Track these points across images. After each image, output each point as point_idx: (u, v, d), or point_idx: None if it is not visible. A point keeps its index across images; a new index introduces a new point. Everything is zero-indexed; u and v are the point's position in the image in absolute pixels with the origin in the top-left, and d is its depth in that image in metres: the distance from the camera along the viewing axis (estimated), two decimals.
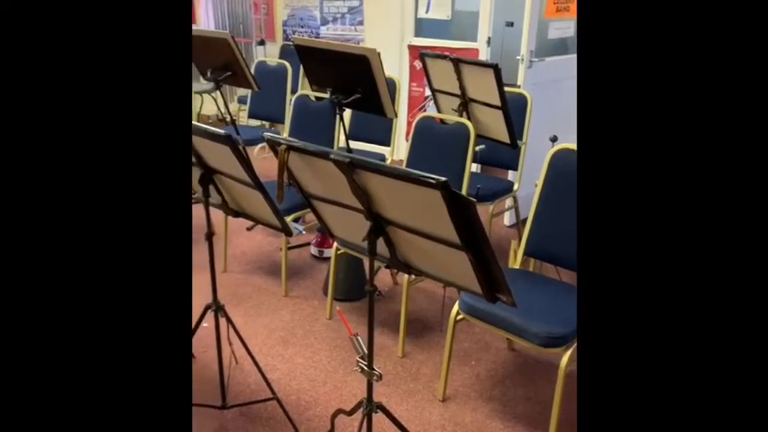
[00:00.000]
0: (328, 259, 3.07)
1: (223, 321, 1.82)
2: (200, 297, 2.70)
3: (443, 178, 1.05)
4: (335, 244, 2.51)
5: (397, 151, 3.43)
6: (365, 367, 1.48)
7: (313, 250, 3.18)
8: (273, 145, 1.34)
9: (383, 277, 2.95)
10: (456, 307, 1.98)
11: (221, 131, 1.42)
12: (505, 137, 2.63)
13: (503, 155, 2.95)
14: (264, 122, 4.21)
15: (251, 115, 3.88)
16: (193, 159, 1.62)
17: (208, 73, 3.04)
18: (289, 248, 3.16)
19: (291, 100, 3.14)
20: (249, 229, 3.48)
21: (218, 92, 3.12)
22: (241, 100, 4.78)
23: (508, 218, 3.66)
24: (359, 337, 1.52)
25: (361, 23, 4.70)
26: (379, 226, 1.32)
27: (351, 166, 1.19)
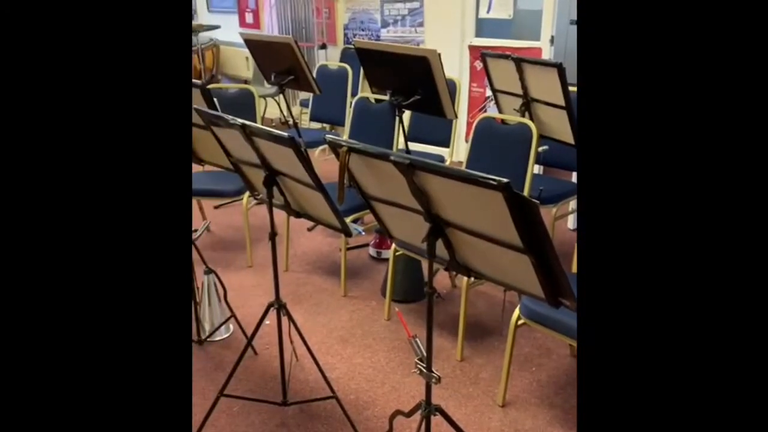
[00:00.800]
0: (386, 260, 3.09)
1: (284, 319, 1.87)
2: (263, 295, 2.78)
3: (505, 180, 1.03)
4: (393, 246, 2.51)
5: (457, 152, 3.41)
6: (424, 369, 1.48)
7: (372, 251, 3.20)
8: (334, 146, 1.36)
9: (441, 279, 2.93)
10: (517, 312, 1.94)
11: (284, 134, 1.46)
12: (569, 138, 2.56)
13: (567, 156, 2.86)
14: (324, 125, 4.28)
15: (313, 118, 3.96)
16: (258, 161, 1.67)
17: (272, 77, 3.12)
18: (348, 249, 3.19)
19: (351, 103, 3.18)
20: (310, 229, 3.55)
21: (281, 96, 3.20)
22: (303, 104, 4.88)
23: (571, 221, 3.55)
24: (418, 339, 1.51)
25: (421, 24, 4.70)
26: (439, 227, 1.31)
27: (411, 168, 1.19)
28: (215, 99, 2.06)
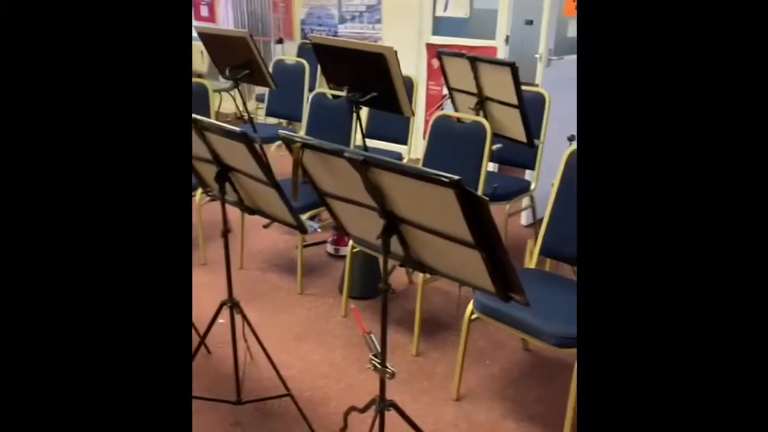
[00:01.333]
0: (344, 257, 3.08)
1: (238, 317, 1.84)
2: (217, 293, 2.73)
3: (456, 177, 1.05)
4: (351, 243, 2.51)
5: (415, 149, 3.43)
6: (378, 365, 1.49)
7: (329, 248, 3.19)
8: (288, 142, 1.35)
9: (399, 276, 2.95)
10: (471, 306, 1.97)
11: (237, 129, 1.44)
12: (522, 136, 2.61)
13: (521, 154, 2.93)
14: (282, 120, 4.23)
15: (269, 113, 3.91)
16: (210, 156, 1.64)
17: (227, 72, 3.07)
18: (305, 246, 3.17)
19: (308, 99, 3.16)
20: (266, 226, 3.51)
21: (236, 90, 3.15)
22: (259, 98, 4.82)
23: (524, 218, 3.63)
24: (372, 335, 1.52)
25: (379, 21, 4.70)
26: (393, 224, 1.32)
27: (365, 164, 1.20)
28: None
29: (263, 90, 4.23)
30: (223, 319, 1.93)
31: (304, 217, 2.60)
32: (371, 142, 3.09)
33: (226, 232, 1.75)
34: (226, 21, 5.55)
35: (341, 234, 3.14)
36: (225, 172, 1.65)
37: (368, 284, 2.75)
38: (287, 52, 5.17)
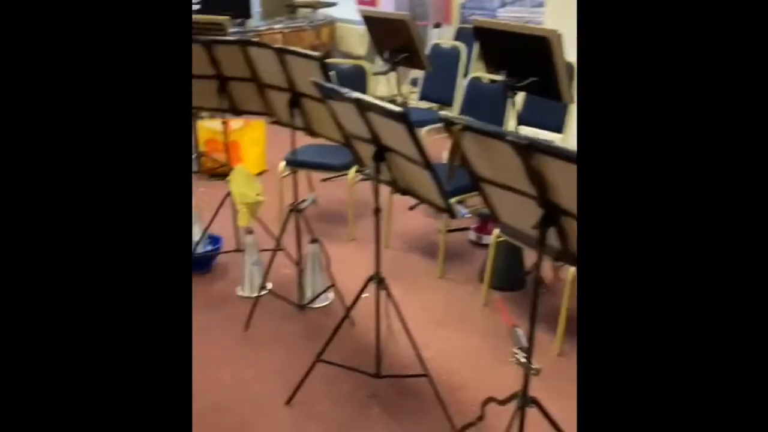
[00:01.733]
0: (486, 245, 3.02)
1: (382, 294, 1.89)
2: (363, 268, 2.83)
3: None
4: (495, 231, 2.46)
5: (571, 138, 3.24)
6: (523, 360, 1.44)
7: (472, 235, 3.15)
8: (449, 124, 1.33)
9: (543, 270, 2.83)
10: None
11: (398, 109, 1.46)
12: None
13: None
14: (432, 105, 4.24)
15: (422, 97, 3.93)
16: (369, 136, 1.69)
17: (386, 54, 3.14)
18: (448, 231, 3.16)
19: (462, 83, 3.12)
20: (411, 208, 3.55)
21: (393, 73, 3.21)
22: (413, 82, 4.87)
23: None
24: (519, 329, 1.47)
25: (540, 5, 4.49)
26: (553, 214, 1.25)
27: (529, 149, 1.15)
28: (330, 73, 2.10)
29: (417, 74, 4.27)
30: (367, 293, 2.00)
31: (452, 201, 2.59)
32: (524, 130, 2.97)
33: (378, 210, 1.79)
34: (386, 5, 5.67)
35: (485, 222, 3.08)
36: (382, 152, 1.69)
37: (510, 276, 2.67)
38: (444, 37, 5.15)
